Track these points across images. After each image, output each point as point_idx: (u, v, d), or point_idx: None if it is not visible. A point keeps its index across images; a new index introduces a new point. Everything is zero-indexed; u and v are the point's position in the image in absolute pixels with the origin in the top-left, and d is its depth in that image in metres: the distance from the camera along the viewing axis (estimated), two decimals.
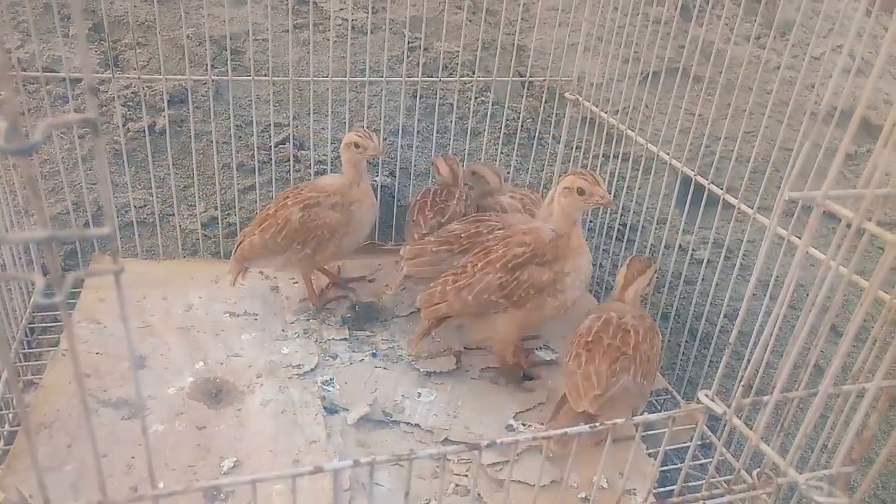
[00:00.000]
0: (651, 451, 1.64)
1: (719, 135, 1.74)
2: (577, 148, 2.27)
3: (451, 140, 2.41)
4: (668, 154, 1.84)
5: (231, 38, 2.31)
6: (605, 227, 2.28)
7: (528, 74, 2.36)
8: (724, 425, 1.15)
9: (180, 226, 2.24)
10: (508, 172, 2.47)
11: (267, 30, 2.29)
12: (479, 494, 1.49)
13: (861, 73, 2.81)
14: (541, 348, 1.99)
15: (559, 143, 2.33)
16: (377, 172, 2.38)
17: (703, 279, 1.88)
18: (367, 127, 2.33)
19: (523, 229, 1.72)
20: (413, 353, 1.86)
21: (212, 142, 2.18)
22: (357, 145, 1.88)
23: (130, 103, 2.29)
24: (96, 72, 2.23)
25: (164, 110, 2.22)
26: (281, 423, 1.62)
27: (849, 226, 0.92)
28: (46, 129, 0.62)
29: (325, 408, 1.68)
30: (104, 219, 0.64)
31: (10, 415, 1.55)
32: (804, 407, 1.12)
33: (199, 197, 2.26)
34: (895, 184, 0.94)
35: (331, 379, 1.78)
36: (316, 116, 2.33)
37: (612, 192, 2.21)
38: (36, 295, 0.63)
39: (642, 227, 2.14)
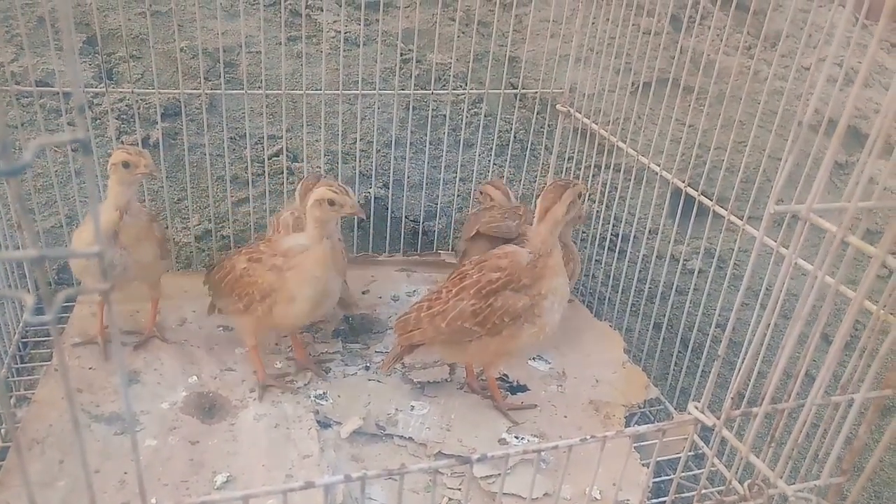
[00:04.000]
0: (644, 461, 1.65)
1: (710, 145, 1.76)
2: (569, 159, 2.29)
3: (444, 152, 2.42)
4: (658, 165, 1.85)
5: (224, 51, 2.32)
6: (598, 237, 2.29)
7: (520, 86, 2.37)
8: (716, 436, 1.16)
9: (174, 239, 2.23)
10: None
11: (260, 42, 2.30)
12: None
13: (850, 83, 2.83)
14: (534, 358, 1.99)
15: (552, 154, 2.34)
16: (371, 184, 2.38)
17: (695, 289, 1.89)
18: (361, 139, 2.34)
19: (499, 253, 1.66)
20: (384, 372, 1.83)
21: (205, 154, 2.19)
22: (332, 202, 1.59)
23: (124, 116, 2.29)
24: (90, 85, 2.23)
25: (157, 123, 2.22)
26: (274, 438, 1.62)
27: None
28: (37, 149, 0.62)
29: (318, 422, 1.68)
30: (95, 236, 0.64)
31: (3, 430, 1.55)
32: (795, 417, 1.13)
33: (193, 210, 2.26)
34: (881, 194, 0.95)
35: (324, 393, 1.78)
36: (309, 129, 2.34)
37: (605, 203, 2.21)
38: (26, 313, 0.63)
39: (634, 237, 2.16)
